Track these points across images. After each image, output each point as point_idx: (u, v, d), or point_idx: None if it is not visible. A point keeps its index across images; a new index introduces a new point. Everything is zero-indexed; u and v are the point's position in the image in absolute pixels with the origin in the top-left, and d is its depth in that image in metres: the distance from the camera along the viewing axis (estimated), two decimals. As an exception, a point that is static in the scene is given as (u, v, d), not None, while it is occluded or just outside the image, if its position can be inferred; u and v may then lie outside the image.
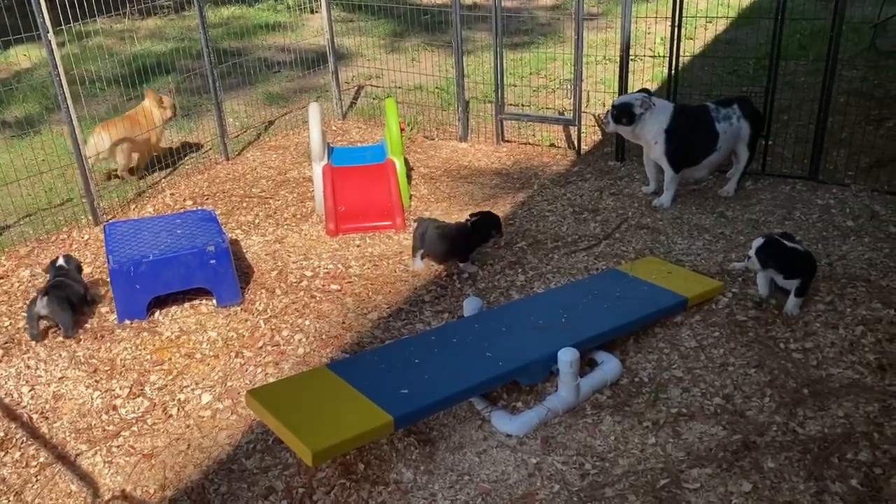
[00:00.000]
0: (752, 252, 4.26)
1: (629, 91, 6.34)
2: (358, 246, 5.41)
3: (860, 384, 3.74)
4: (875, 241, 5.04)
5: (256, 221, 5.84)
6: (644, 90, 5.70)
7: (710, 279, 4.62)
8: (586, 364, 3.91)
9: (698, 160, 5.63)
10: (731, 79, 8.48)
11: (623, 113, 5.55)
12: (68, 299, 4.39)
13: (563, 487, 3.23)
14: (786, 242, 4.26)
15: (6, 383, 4.04)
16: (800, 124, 6.79)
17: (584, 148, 6.94)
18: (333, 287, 4.86)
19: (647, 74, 8.77)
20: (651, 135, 5.55)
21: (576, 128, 6.82)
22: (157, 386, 4.00)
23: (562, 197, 6.01)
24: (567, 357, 3.58)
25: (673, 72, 6.30)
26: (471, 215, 5.00)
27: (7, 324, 4.57)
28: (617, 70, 6.46)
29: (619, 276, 4.56)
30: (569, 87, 7.45)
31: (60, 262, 4.65)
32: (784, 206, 5.63)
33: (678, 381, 3.86)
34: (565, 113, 7.66)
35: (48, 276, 4.67)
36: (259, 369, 4.09)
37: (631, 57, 6.47)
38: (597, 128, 7.46)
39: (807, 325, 4.20)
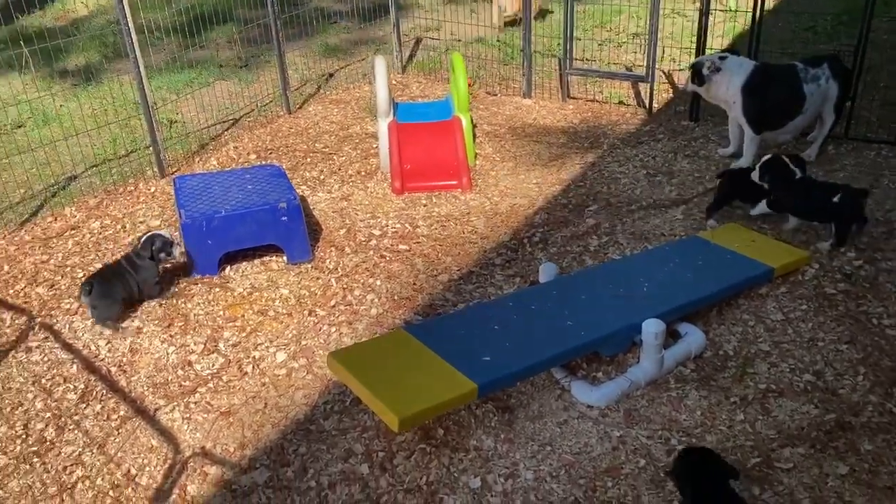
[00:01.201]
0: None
1: (707, 47, 6.08)
2: (424, 205, 5.31)
3: (962, 365, 3.56)
4: (972, 213, 4.77)
5: (321, 178, 5.77)
6: (732, 50, 5.54)
7: (795, 248, 4.42)
8: (669, 335, 3.78)
9: (783, 123, 5.36)
10: (807, 35, 8.09)
11: (695, 74, 5.44)
12: (112, 293, 4.07)
13: (650, 462, 3.14)
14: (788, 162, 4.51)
15: (83, 336, 4.07)
16: (886, 86, 6.44)
17: (656, 106, 6.69)
18: (402, 247, 4.78)
19: (719, 29, 8.39)
20: (729, 94, 5.33)
21: (647, 85, 6.57)
22: (231, 343, 4.00)
23: (633, 158, 5.81)
24: (652, 328, 3.46)
25: (756, 28, 5.97)
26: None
27: (80, 275, 4.59)
28: (687, 25, 6.16)
29: (701, 243, 4.39)
30: (641, 41, 7.17)
31: (141, 242, 4.20)
32: (869, 173, 5.36)
33: (765, 355, 3.71)
34: (634, 69, 7.39)
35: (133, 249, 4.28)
36: (333, 328, 4.05)
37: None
38: (669, 85, 7.18)
39: (901, 301, 4.00)
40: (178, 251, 4.26)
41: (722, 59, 5.32)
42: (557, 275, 4.14)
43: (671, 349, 3.65)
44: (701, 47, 6.05)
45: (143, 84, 5.50)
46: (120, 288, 4.12)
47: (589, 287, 3.94)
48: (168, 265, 4.37)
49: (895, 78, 6.10)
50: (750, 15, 5.98)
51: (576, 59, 7.25)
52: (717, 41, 7.90)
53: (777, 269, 4.15)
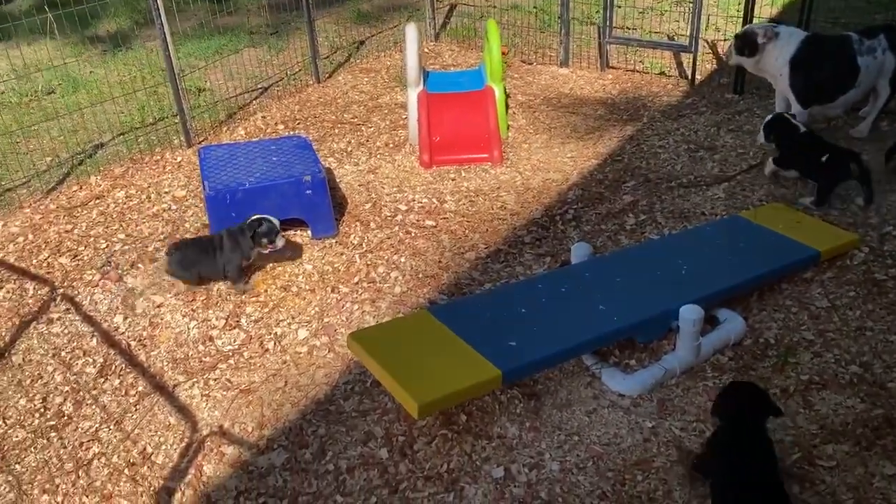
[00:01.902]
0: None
1: (754, 16, 5.76)
2: (453, 179, 5.14)
3: None
4: None
5: (349, 149, 5.63)
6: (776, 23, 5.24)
7: (843, 231, 4.18)
8: (706, 322, 3.59)
9: (834, 97, 5.06)
10: (859, 4, 7.66)
11: (746, 43, 5.10)
12: (191, 267, 3.99)
13: (683, 455, 2.98)
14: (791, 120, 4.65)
15: (103, 308, 4.02)
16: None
17: (699, 78, 6.39)
18: (429, 223, 4.63)
19: (768, -2, 7.99)
20: (776, 66, 5.04)
21: (690, 55, 6.27)
22: (252, 318, 3.91)
23: (674, 132, 5.56)
24: (691, 315, 3.28)
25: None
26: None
27: (104, 246, 4.55)
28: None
29: (743, 223, 4.16)
30: (684, 9, 6.85)
31: (248, 222, 4.01)
32: (926, 151, 5.04)
33: (808, 344, 3.51)
34: (677, 38, 7.08)
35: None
36: (356, 306, 3.94)
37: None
38: (713, 55, 6.86)
39: (958, 290, 3.75)
40: (281, 242, 4.03)
41: (776, 27, 5.03)
42: (590, 255, 3.96)
43: (709, 336, 3.47)
44: (748, 16, 5.74)
45: (168, 51, 5.38)
46: (202, 264, 4.00)
47: (623, 269, 3.76)
48: (266, 251, 4.11)
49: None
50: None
51: (616, 27, 6.96)
52: (766, 10, 7.54)
53: (823, 252, 3.92)
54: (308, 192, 4.34)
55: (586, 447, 3.05)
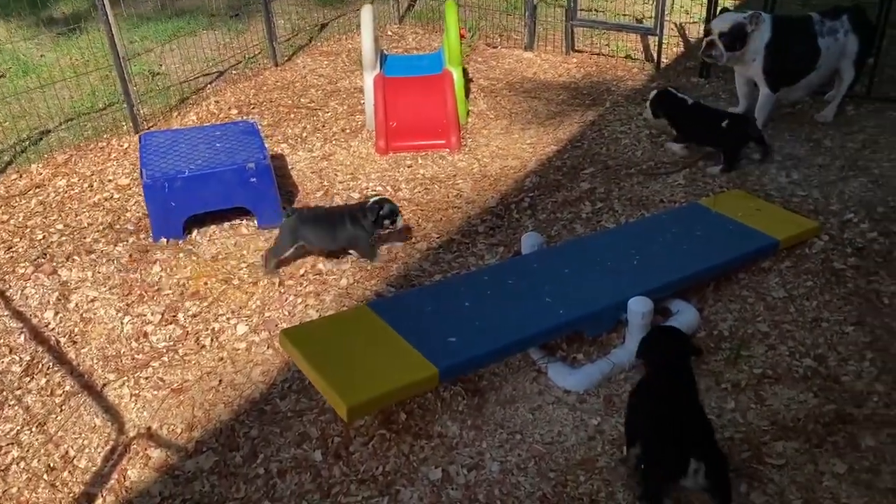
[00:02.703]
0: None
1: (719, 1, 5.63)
2: (409, 166, 4.98)
3: (980, 352, 3.23)
4: None
5: (304, 135, 5.45)
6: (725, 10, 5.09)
7: (804, 218, 4.07)
8: (659, 313, 3.48)
9: (795, 80, 4.94)
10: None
11: (737, 37, 4.71)
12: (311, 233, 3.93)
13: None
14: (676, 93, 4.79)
15: (34, 303, 3.84)
16: (914, 40, 5.96)
17: (665, 61, 6.26)
18: (382, 211, 4.47)
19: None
20: (752, 52, 4.79)
21: (656, 38, 6.13)
22: (191, 313, 3.74)
23: (637, 117, 5.42)
24: (639, 307, 3.16)
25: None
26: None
27: (40, 237, 4.36)
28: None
29: (701, 211, 4.05)
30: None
31: (370, 203, 3.95)
32: (891, 135, 4.96)
33: (763, 336, 3.40)
34: (644, 21, 6.93)
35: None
36: (299, 300, 3.78)
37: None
38: (680, 38, 6.73)
39: (917, 278, 3.66)
40: (400, 222, 4.01)
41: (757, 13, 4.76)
42: (541, 245, 3.83)
43: (660, 329, 3.35)
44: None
45: (112, 33, 5.17)
46: (322, 232, 3.93)
47: (574, 260, 3.63)
48: (385, 232, 4.03)
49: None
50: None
51: (582, 10, 6.81)
52: (732, -9, 7.41)
53: (783, 241, 3.81)
54: (252, 179, 4.17)
55: (528, 446, 2.93)
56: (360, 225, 3.92)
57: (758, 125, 4.75)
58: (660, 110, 4.83)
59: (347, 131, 5.48)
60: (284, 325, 3.59)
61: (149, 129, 5.51)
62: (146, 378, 3.37)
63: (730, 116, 4.70)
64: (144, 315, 3.74)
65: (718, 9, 5.53)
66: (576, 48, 6.68)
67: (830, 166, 4.65)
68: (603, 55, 6.59)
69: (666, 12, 6.05)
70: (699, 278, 3.61)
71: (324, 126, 5.57)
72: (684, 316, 3.41)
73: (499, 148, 5.18)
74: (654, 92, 4.89)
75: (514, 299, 3.32)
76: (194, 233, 4.30)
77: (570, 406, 3.09)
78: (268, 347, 3.50)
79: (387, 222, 3.94)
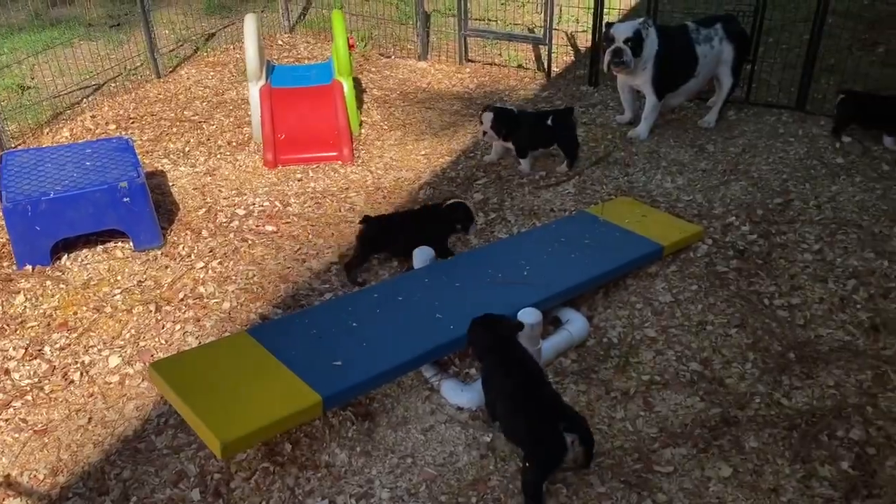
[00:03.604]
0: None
1: (607, 7, 5.74)
2: (299, 180, 4.83)
3: (852, 348, 3.36)
4: (867, 181, 4.61)
5: (187, 149, 5.21)
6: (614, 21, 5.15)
7: (688, 223, 4.16)
8: (549, 323, 3.47)
9: (677, 86, 5.08)
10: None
11: (639, 43, 4.77)
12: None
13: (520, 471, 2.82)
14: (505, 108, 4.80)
15: None
16: (786, 47, 6.26)
17: (555, 70, 6.33)
18: (269, 228, 4.31)
19: (624, -11, 8.08)
20: (643, 60, 4.88)
21: (546, 47, 6.19)
22: (58, 346, 3.47)
23: (528, 126, 5.44)
24: (528, 319, 3.12)
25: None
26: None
27: None
28: (592, -17, 5.80)
29: (589, 219, 4.07)
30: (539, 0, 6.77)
31: (446, 205, 4.00)
32: (769, 139, 5.16)
33: (651, 342, 3.44)
34: (535, 30, 7.01)
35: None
36: (178, 326, 3.57)
37: (608, -32, 5.82)
38: (570, 47, 6.83)
39: (793, 278, 3.79)
40: (473, 230, 4.06)
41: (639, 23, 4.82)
42: (433, 259, 3.75)
43: (550, 339, 3.33)
44: (599, 7, 5.70)
45: (-32, 45, 4.79)
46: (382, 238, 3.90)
47: (465, 273, 3.57)
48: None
49: (797, 39, 5.90)
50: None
51: (475, 19, 6.83)
52: (624, 1, 7.61)
53: (667, 246, 3.88)
54: (125, 199, 3.92)
55: (420, 470, 2.83)
56: (437, 226, 3.97)
57: (640, 133, 4.89)
58: (502, 127, 4.68)
59: (234, 144, 5.27)
60: (161, 355, 3.38)
61: (16, 147, 5.13)
62: (6, 420, 3.09)
63: (553, 112, 4.76)
64: (6, 350, 3.44)
65: (604, 19, 5.64)
66: (469, 58, 6.68)
67: (713, 171, 4.79)
68: (496, 65, 6.61)
69: (555, 22, 6.13)
70: (588, 286, 3.62)
71: (209, 139, 5.33)
72: (574, 325, 3.41)
73: (392, 159, 5.09)
74: (486, 112, 4.71)
75: (405, 317, 3.23)
76: (64, 258, 4.01)
77: (463, 424, 3.02)
78: (143, 380, 3.28)
79: (458, 226, 3.99)
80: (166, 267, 3.97)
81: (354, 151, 5.11)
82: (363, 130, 5.46)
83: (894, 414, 3.01)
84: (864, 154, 4.89)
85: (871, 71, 5.87)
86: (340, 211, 4.50)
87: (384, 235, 3.87)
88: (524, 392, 2.70)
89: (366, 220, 3.90)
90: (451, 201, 4.03)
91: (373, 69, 6.58)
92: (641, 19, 4.83)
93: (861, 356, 3.31)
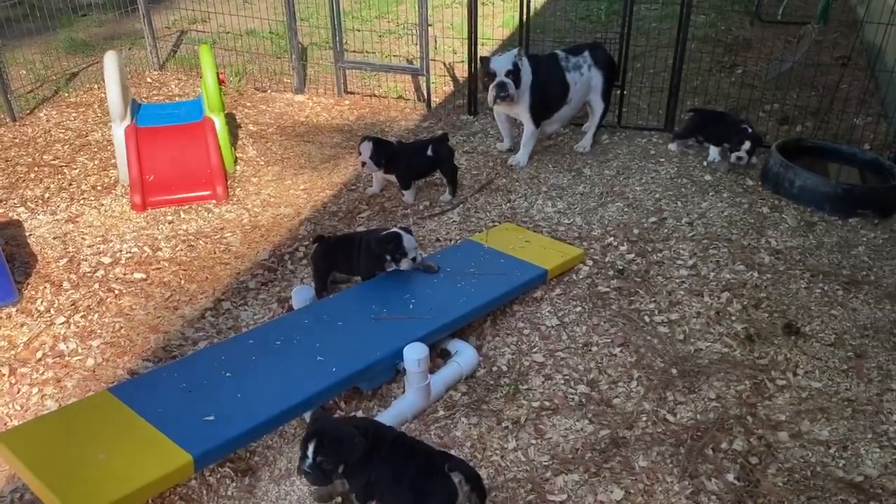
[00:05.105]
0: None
1: (480, 38, 5.81)
2: (170, 222, 4.58)
3: (729, 359, 3.46)
4: (734, 196, 4.83)
5: (46, 196, 4.85)
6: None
7: (569, 246, 4.22)
8: (438, 356, 3.39)
9: (551, 114, 5.19)
10: (583, 25, 8.15)
11: (517, 74, 4.82)
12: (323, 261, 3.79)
13: (412, 516, 2.71)
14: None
15: None
16: (653, 72, 6.55)
17: (435, 100, 6.36)
18: (137, 276, 4.04)
19: (498, 20, 8.28)
20: (520, 91, 4.94)
21: (424, 78, 6.20)
22: None
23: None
24: (414, 355, 3.03)
25: (525, 17, 5.79)
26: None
27: None
28: (466, 14, 5.87)
29: (474, 247, 4.05)
30: (415, 31, 6.81)
31: (383, 235, 3.68)
32: (641, 160, 5.34)
33: (539, 367, 3.42)
34: (414, 61, 7.03)
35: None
36: (35, 389, 3.26)
37: (481, 0, 5.90)
38: (449, 77, 6.89)
39: (671, 294, 3.89)
40: (406, 265, 3.66)
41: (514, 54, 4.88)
42: (313, 299, 3.61)
43: (439, 372, 3.25)
44: (473, 37, 5.77)
45: None
46: (337, 258, 3.79)
47: (347, 311, 3.45)
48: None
49: (663, 64, 6.18)
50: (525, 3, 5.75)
51: (352, 51, 6.78)
52: (497, 31, 7.78)
53: (550, 270, 3.91)
54: (-30, 255, 3.58)
55: (306, 524, 2.68)
56: (370, 255, 3.73)
57: (519, 160, 4.96)
58: (381, 159, 4.58)
59: (99, 188, 4.95)
60: (16, 423, 3.06)
61: None
62: None
63: (431, 142, 4.73)
64: None
65: (479, 50, 5.71)
66: (348, 90, 6.61)
67: (591, 193, 4.90)
68: (376, 96, 6.57)
69: (432, 53, 6.16)
70: (475, 315, 3.58)
71: (70, 184, 4.99)
72: (462, 356, 3.35)
73: (270, 196, 4.92)
74: (367, 145, 4.57)
75: (284, 362, 3.07)
76: None
77: (351, 471, 2.88)
78: (-6, 453, 2.96)
79: (388, 257, 3.68)
80: (22, 325, 3.64)
81: (229, 189, 4.91)
82: (238, 167, 5.26)
83: (773, 421, 3.10)
84: (729, 171, 5.13)
85: (732, 91, 6.21)
86: (215, 253, 4.29)
87: (338, 254, 3.78)
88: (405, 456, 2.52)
89: (319, 239, 3.82)
90: (393, 230, 3.78)
91: (248, 104, 6.39)
92: (515, 50, 4.91)
93: (739, 367, 3.41)
